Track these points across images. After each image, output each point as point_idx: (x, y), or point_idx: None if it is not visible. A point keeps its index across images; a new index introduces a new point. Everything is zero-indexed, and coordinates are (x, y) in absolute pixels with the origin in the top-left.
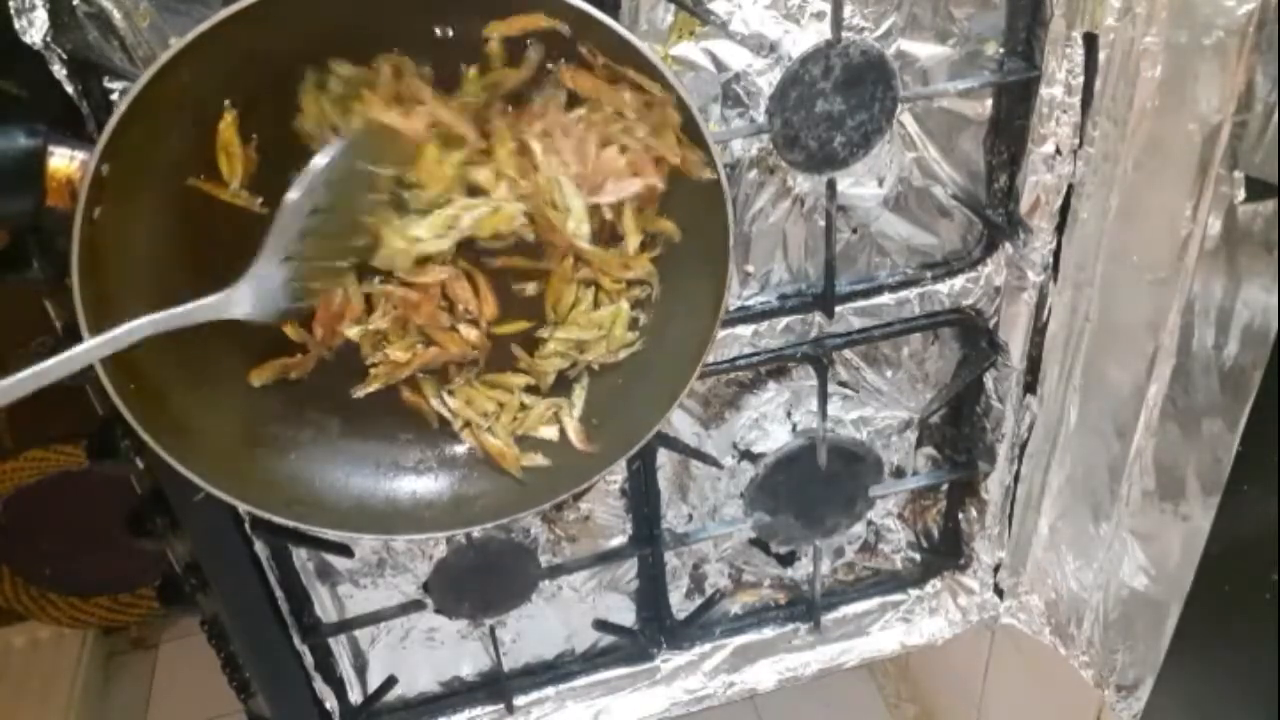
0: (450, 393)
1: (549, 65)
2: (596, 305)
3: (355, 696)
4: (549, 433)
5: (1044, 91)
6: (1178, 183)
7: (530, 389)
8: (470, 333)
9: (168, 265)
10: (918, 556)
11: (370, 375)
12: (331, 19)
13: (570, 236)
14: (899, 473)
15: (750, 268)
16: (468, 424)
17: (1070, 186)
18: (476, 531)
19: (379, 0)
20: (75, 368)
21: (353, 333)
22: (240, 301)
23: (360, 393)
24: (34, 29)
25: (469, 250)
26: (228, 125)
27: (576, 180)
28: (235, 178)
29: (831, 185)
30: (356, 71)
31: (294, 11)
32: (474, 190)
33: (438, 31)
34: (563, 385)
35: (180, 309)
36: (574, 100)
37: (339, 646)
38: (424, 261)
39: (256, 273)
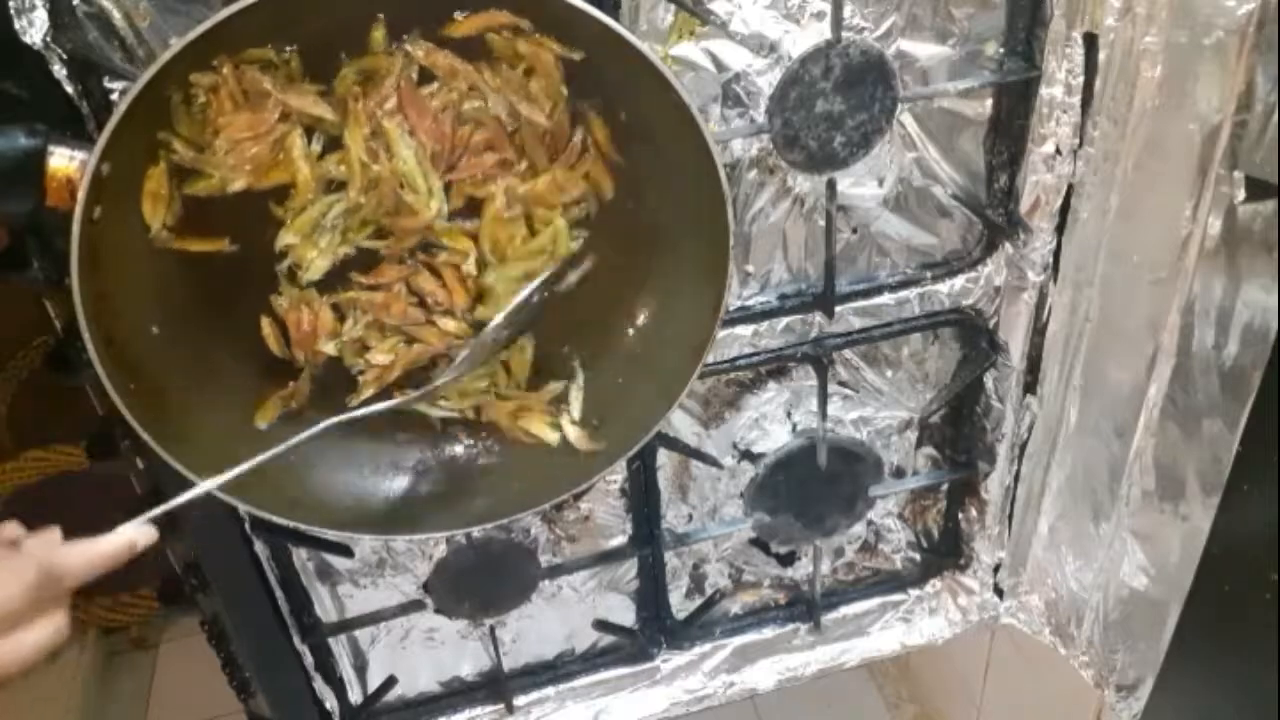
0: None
1: (401, 41)
2: (533, 234)
3: (355, 696)
4: (551, 437)
5: (1044, 91)
6: (1178, 183)
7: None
8: (448, 323)
9: (166, 264)
10: (918, 556)
11: (360, 383)
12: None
13: (429, 219)
14: (899, 473)
15: (750, 268)
16: (488, 420)
17: (1070, 186)
18: (476, 531)
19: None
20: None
21: (329, 348)
22: None
23: (354, 403)
24: (34, 29)
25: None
26: (158, 173)
27: (433, 159)
28: (157, 219)
29: (831, 185)
30: (212, 78)
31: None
32: (336, 186)
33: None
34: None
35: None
36: (425, 77)
37: (339, 646)
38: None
39: None
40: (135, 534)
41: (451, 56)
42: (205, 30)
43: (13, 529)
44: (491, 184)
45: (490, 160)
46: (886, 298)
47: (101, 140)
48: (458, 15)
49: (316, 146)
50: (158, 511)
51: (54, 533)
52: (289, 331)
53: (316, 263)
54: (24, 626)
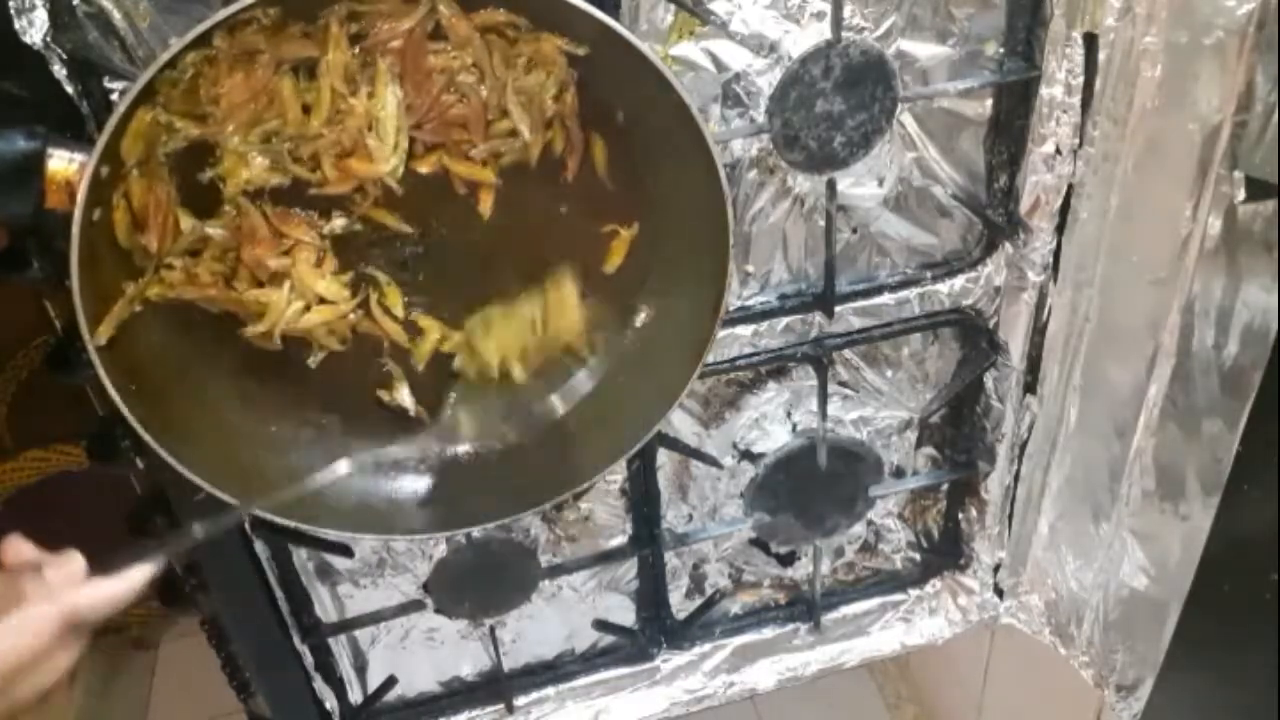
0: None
1: None
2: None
3: (355, 696)
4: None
5: (1044, 91)
6: (1178, 183)
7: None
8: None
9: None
10: (918, 556)
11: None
12: None
13: (384, 171)
14: (899, 473)
15: (750, 268)
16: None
17: (1070, 186)
18: (476, 531)
19: None
20: None
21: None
22: None
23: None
24: (34, 29)
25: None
26: (122, 213)
27: (407, 110)
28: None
29: (831, 185)
30: (198, 54)
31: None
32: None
33: None
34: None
35: None
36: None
37: (339, 646)
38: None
39: None
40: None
41: (472, 28)
42: (205, 30)
43: (29, 550)
44: (436, 156)
45: (456, 136)
46: (886, 298)
47: (101, 142)
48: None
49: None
50: (182, 545)
51: (74, 562)
52: (142, 218)
53: (240, 179)
54: (43, 664)
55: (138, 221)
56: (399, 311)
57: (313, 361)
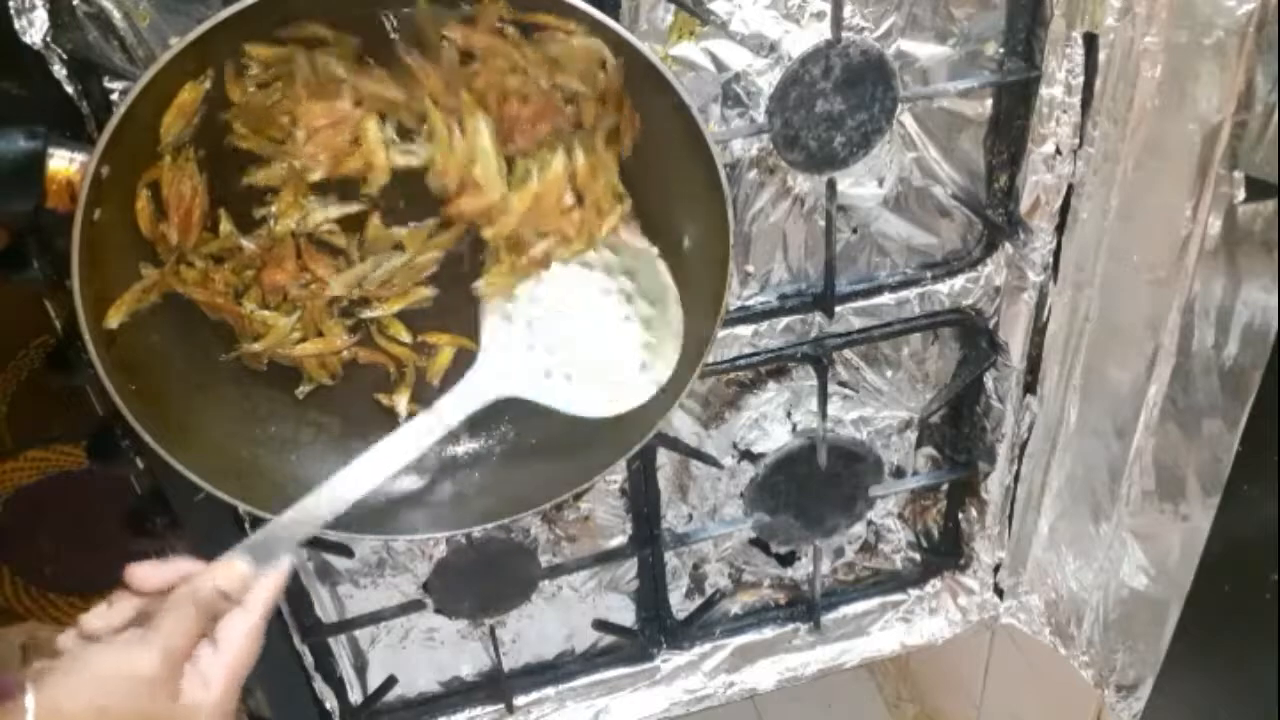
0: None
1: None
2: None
3: (355, 696)
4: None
5: (1044, 91)
6: (1178, 183)
7: None
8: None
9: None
10: (918, 556)
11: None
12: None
13: (495, 199)
14: (899, 473)
15: (750, 268)
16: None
17: (1070, 186)
18: (476, 531)
19: None
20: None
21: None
22: None
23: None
24: (34, 29)
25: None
26: (145, 202)
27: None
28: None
29: (831, 185)
30: (273, 53)
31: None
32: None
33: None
34: None
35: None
36: (465, 58)
37: (339, 646)
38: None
39: None
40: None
41: (486, 35)
42: (205, 30)
43: (164, 572)
44: (550, 152)
45: (544, 130)
46: (886, 298)
47: (101, 142)
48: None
49: (390, 132)
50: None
51: (236, 565)
52: (166, 208)
53: (291, 221)
54: None
55: (163, 211)
56: (406, 337)
57: (300, 393)
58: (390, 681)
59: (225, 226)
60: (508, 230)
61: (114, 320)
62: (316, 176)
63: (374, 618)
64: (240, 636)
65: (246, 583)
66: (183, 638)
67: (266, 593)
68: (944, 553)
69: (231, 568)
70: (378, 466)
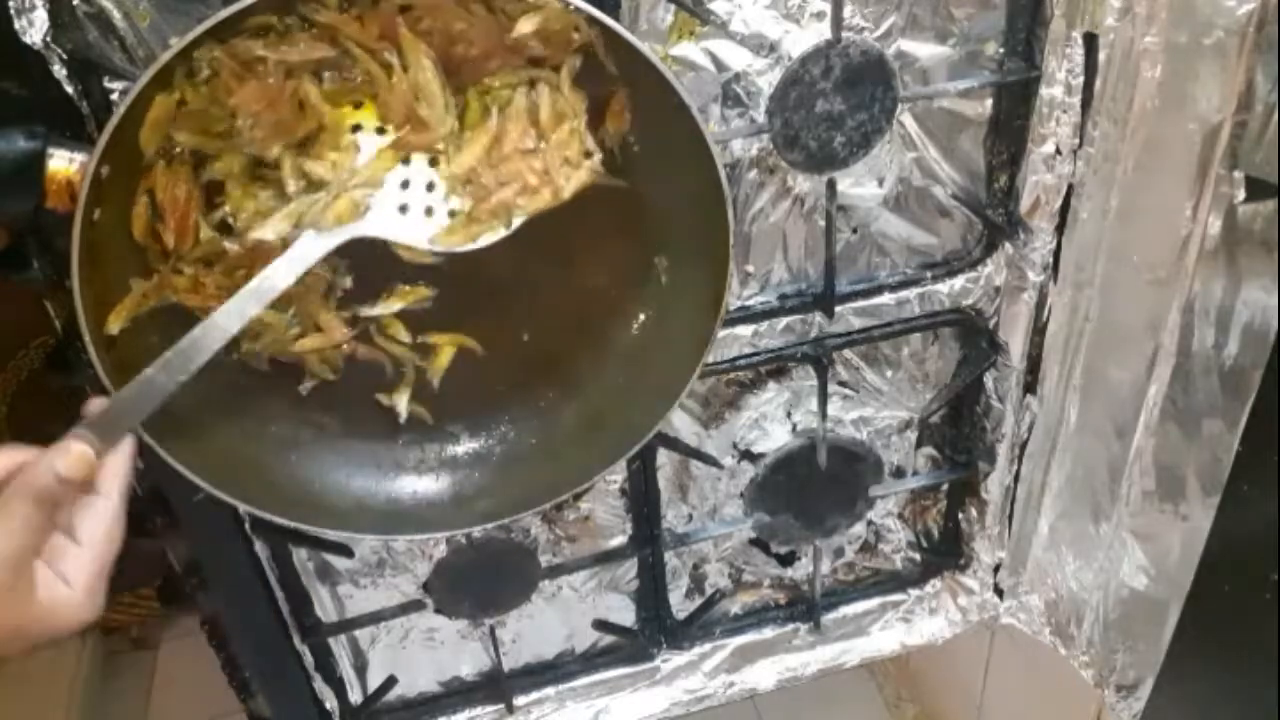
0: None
1: None
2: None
3: (355, 696)
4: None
5: (1044, 91)
6: (1178, 183)
7: None
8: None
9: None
10: (918, 556)
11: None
12: None
13: (444, 133)
14: (899, 473)
15: (750, 268)
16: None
17: (1070, 186)
18: (476, 531)
19: None
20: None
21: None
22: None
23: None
24: (34, 29)
25: None
26: (142, 208)
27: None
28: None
29: (831, 185)
30: (210, 53)
31: None
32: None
33: None
34: None
35: None
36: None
37: (339, 646)
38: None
39: None
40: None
41: None
42: (205, 30)
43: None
44: (511, 91)
45: (495, 65)
46: (886, 298)
47: (101, 142)
48: None
49: (330, 86)
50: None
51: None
52: (163, 213)
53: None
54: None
55: (160, 216)
56: (405, 337)
57: (304, 389)
58: (390, 681)
59: (205, 232)
60: (462, 170)
61: (114, 326)
62: (275, 154)
63: (374, 618)
64: (98, 525)
65: (91, 466)
66: (23, 535)
67: (117, 475)
68: (944, 553)
69: (70, 451)
70: (228, 316)
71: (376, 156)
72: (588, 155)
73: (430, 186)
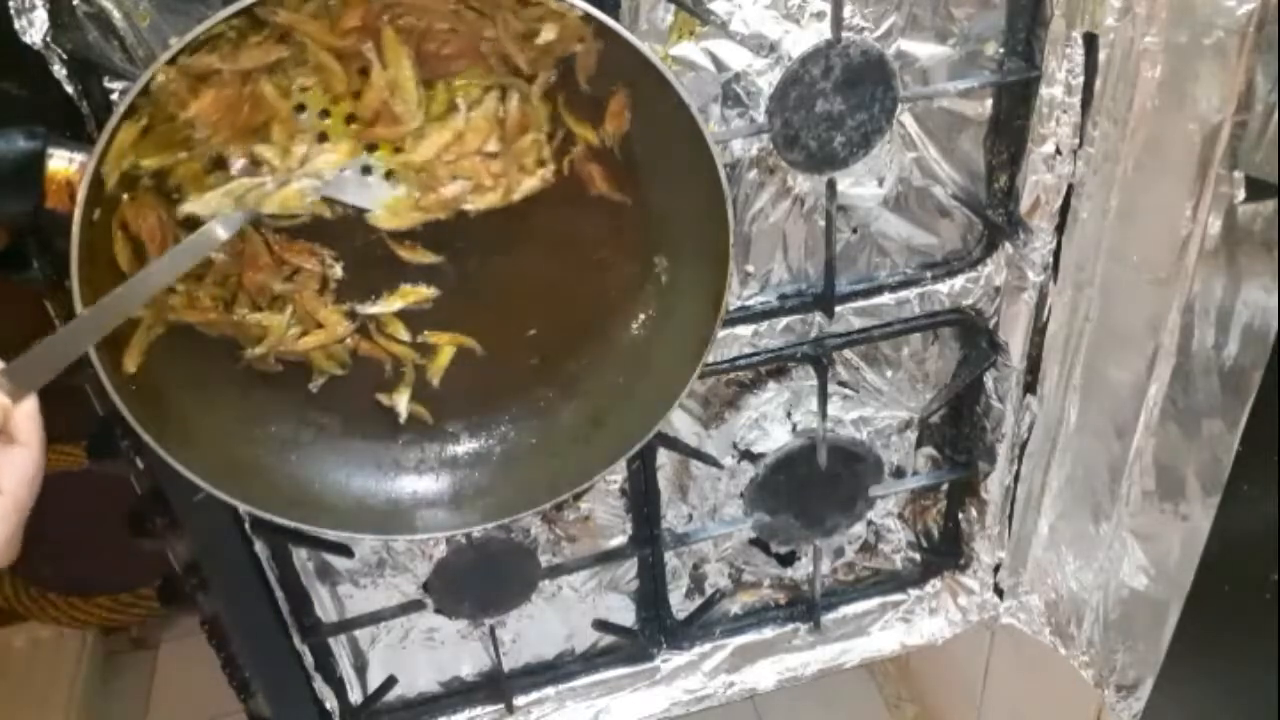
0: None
1: None
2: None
3: (355, 696)
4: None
5: (1044, 91)
6: (1178, 183)
7: None
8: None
9: None
10: (918, 556)
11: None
12: None
13: (414, 126)
14: (899, 473)
15: (750, 268)
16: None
17: (1070, 186)
18: (476, 531)
19: None
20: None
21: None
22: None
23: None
24: (34, 29)
25: None
26: (121, 244)
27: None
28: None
29: (831, 185)
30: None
31: None
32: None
33: None
34: None
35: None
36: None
37: (339, 646)
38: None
39: None
40: None
41: None
42: (204, 30)
43: None
44: (483, 93)
45: (463, 64)
46: (886, 298)
47: (101, 142)
48: None
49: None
50: None
51: None
52: (143, 241)
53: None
54: None
55: (137, 249)
56: (405, 335)
57: (314, 386)
58: (390, 681)
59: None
60: (420, 160)
61: (131, 365)
62: (240, 157)
63: (374, 618)
64: (16, 472)
65: (5, 413)
66: None
67: (33, 420)
68: (944, 553)
69: None
70: (159, 273)
71: (337, 146)
72: (541, 164)
73: (384, 172)
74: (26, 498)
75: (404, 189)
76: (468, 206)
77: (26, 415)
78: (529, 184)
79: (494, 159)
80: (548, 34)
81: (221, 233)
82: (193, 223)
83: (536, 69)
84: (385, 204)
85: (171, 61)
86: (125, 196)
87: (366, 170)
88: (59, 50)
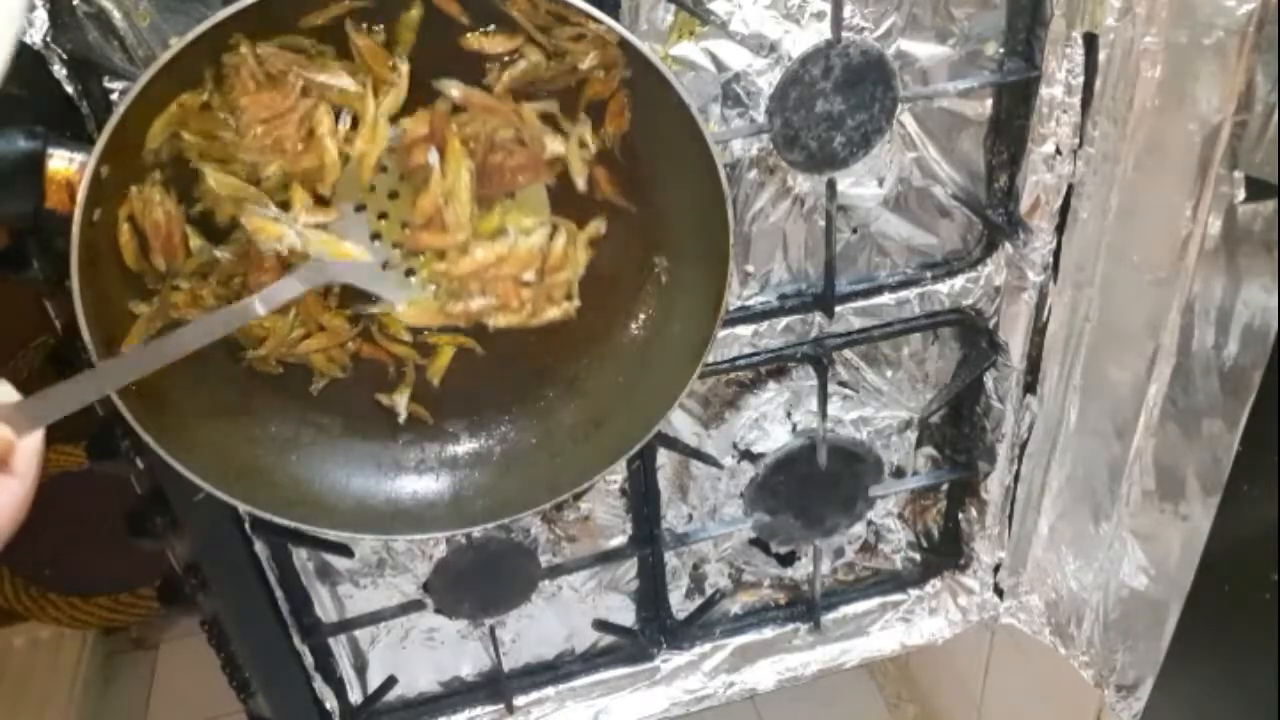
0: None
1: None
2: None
3: (355, 696)
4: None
5: (1044, 91)
6: (1178, 183)
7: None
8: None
9: None
10: (918, 556)
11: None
12: None
13: (459, 241)
14: (899, 473)
15: (750, 268)
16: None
17: (1070, 186)
18: (476, 531)
19: None
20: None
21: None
22: None
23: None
24: (34, 29)
25: None
26: (128, 237)
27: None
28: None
29: (831, 185)
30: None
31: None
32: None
33: None
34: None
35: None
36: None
37: (339, 646)
38: None
39: None
40: None
41: (486, 96)
42: (204, 30)
43: None
44: (537, 224)
45: (525, 180)
46: (886, 298)
47: (101, 142)
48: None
49: (344, 127)
50: None
51: None
52: (148, 238)
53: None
54: None
55: (144, 243)
56: (406, 336)
57: (315, 389)
58: (390, 681)
59: (195, 242)
60: (459, 273)
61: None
62: (272, 170)
63: (374, 618)
64: (5, 501)
65: (9, 446)
66: None
67: (34, 456)
68: (944, 553)
69: None
70: (190, 336)
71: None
72: (569, 299)
73: (408, 271)
74: (7, 529)
75: (432, 293)
76: (488, 320)
77: (30, 451)
78: (552, 313)
79: (527, 287)
80: (588, 61)
81: (260, 308)
82: (201, 221)
83: (587, 215)
84: (411, 301)
85: (254, 38)
86: (134, 188)
87: (410, 272)
88: (59, 50)
